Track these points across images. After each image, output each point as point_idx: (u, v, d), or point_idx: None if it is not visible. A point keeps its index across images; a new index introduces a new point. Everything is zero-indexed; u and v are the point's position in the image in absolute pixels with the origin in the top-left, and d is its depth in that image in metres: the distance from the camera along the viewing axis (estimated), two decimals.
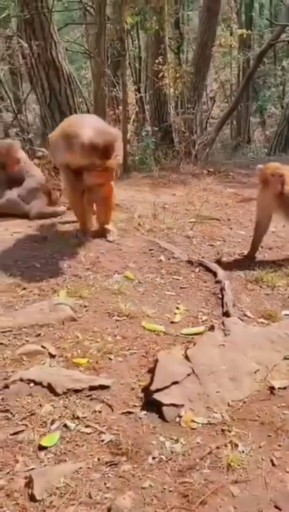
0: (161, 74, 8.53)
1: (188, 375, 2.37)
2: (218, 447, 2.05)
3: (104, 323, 2.97)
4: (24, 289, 3.33)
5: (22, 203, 4.85)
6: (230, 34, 11.01)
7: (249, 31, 11.55)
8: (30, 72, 7.88)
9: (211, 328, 2.81)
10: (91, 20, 12.01)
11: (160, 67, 8.41)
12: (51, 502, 1.80)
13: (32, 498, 1.81)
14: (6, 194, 4.85)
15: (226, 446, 2.06)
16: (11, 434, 2.11)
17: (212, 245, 4.30)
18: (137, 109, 11.91)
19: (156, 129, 9.65)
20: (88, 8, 11.76)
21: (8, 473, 1.93)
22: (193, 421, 2.18)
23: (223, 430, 2.15)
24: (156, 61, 8.62)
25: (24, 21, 7.28)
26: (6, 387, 2.35)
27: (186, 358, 2.48)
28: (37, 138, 12.03)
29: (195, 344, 2.63)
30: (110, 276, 3.56)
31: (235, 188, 6.99)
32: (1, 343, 2.71)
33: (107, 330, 2.90)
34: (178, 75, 8.56)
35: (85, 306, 3.15)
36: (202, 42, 10.03)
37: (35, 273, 3.55)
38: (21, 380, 2.37)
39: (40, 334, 2.81)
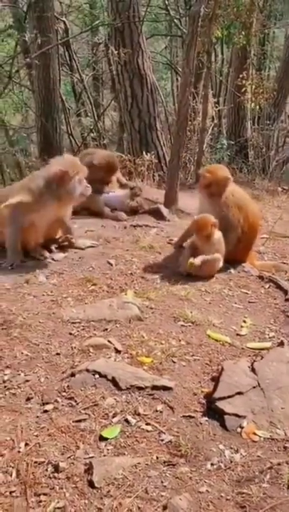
0: (243, 89, 8.52)
1: (254, 387, 2.34)
2: (279, 464, 2.01)
3: (170, 327, 2.98)
4: (94, 284, 3.41)
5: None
6: None
7: None
8: (115, 78, 8.10)
9: (280, 344, 2.75)
10: (176, 33, 12.19)
11: (243, 81, 8.41)
12: (108, 491, 1.83)
13: (91, 484, 1.85)
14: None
15: (287, 463, 2.01)
16: (73, 421, 2.17)
17: (284, 263, 4.21)
18: (215, 121, 11.94)
19: (232, 142, 9.64)
20: (175, 20, 11.92)
21: (69, 457, 1.98)
22: (255, 433, 2.15)
23: (285, 447, 2.10)
24: (241, 76, 8.63)
25: (115, 29, 7.50)
26: (73, 375, 2.42)
27: (253, 370, 2.45)
28: (110, 144, 12.34)
29: (262, 358, 2.59)
30: (177, 282, 3.57)
31: None
32: (71, 333, 2.79)
33: (172, 333, 2.91)
34: (261, 90, 8.51)
35: (152, 308, 3.18)
36: (287, 59, 9.93)
37: (105, 271, 3.63)
38: (87, 370, 2.43)
39: (107, 329, 2.87)
